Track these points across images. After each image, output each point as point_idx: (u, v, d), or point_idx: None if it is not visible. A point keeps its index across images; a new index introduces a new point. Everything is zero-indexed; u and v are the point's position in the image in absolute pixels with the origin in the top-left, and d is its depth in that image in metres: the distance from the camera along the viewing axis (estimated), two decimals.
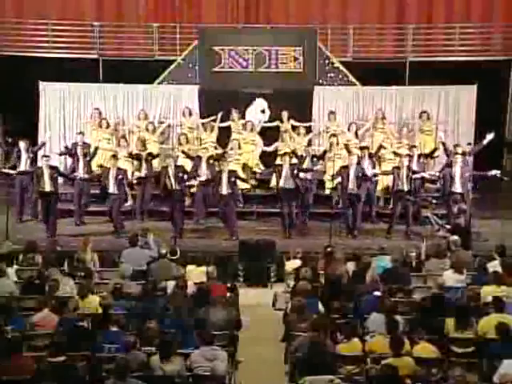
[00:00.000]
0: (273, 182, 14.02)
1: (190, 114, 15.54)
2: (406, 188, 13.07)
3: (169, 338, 7.78)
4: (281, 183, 13.28)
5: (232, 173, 13.22)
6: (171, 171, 13.06)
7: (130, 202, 14.13)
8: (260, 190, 15.18)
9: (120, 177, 13.10)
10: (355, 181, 13.10)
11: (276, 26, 17.41)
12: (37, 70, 16.27)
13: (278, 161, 14.28)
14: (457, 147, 14.02)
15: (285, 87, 15.62)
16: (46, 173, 12.97)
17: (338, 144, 14.49)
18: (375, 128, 15.43)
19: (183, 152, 14.43)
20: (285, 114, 15.32)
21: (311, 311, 8.65)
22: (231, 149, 14.52)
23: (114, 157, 13.62)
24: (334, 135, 14.67)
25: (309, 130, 15.33)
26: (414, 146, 14.47)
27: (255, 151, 15.17)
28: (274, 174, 13.68)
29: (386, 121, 15.42)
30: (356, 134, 15.04)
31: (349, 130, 15.09)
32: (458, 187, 13.10)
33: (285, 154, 13.87)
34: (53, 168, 13.31)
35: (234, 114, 15.27)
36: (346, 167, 13.27)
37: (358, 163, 13.37)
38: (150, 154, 14.47)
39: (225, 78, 15.75)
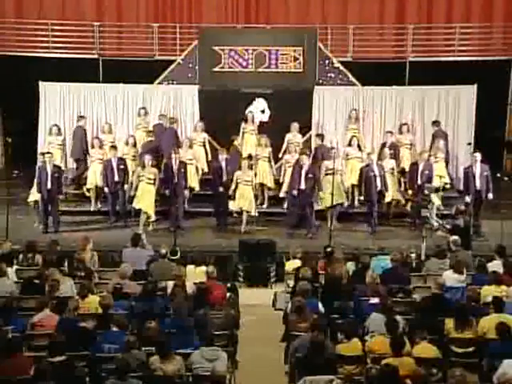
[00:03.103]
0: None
1: (146, 114, 15.50)
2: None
3: (168, 337, 7.76)
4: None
5: (310, 169, 13.38)
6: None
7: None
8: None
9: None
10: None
11: (276, 26, 17.44)
12: (37, 70, 16.29)
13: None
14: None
15: (285, 87, 15.62)
16: (49, 170, 13.23)
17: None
18: (348, 128, 15.36)
19: None
20: (250, 116, 15.39)
21: (311, 311, 8.65)
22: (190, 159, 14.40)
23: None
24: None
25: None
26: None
27: (268, 169, 14.64)
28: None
29: (359, 121, 15.44)
30: (358, 146, 14.74)
31: (350, 144, 14.84)
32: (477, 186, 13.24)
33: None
34: (56, 167, 13.52)
35: (199, 124, 15.18)
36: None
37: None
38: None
39: (225, 78, 15.74)
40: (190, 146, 14.57)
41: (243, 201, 13.57)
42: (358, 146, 14.65)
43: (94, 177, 14.32)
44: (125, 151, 14.62)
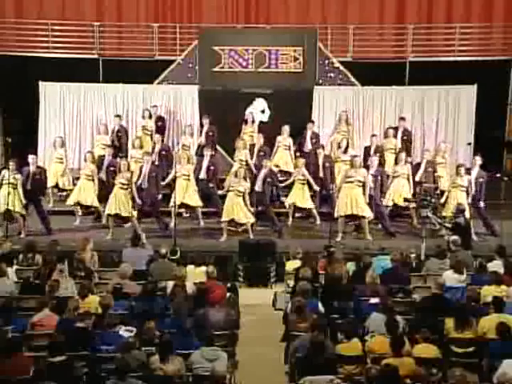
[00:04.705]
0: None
1: (150, 117, 15.41)
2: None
3: (168, 338, 7.76)
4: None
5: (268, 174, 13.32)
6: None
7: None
8: None
9: None
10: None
11: (276, 26, 17.46)
12: (37, 70, 16.31)
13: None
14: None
15: (285, 87, 15.64)
16: (31, 172, 13.11)
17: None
18: (338, 131, 15.31)
19: None
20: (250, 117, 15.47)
21: (311, 311, 8.65)
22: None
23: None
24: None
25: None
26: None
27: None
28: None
29: (349, 123, 15.43)
30: (346, 149, 14.51)
31: (339, 146, 14.72)
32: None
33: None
34: (39, 168, 13.42)
35: (188, 128, 15.16)
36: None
37: None
38: None
39: (225, 78, 15.77)
40: (188, 161, 13.88)
41: (235, 212, 12.88)
42: (346, 149, 14.44)
43: (79, 193, 13.56)
44: (133, 154, 14.41)
